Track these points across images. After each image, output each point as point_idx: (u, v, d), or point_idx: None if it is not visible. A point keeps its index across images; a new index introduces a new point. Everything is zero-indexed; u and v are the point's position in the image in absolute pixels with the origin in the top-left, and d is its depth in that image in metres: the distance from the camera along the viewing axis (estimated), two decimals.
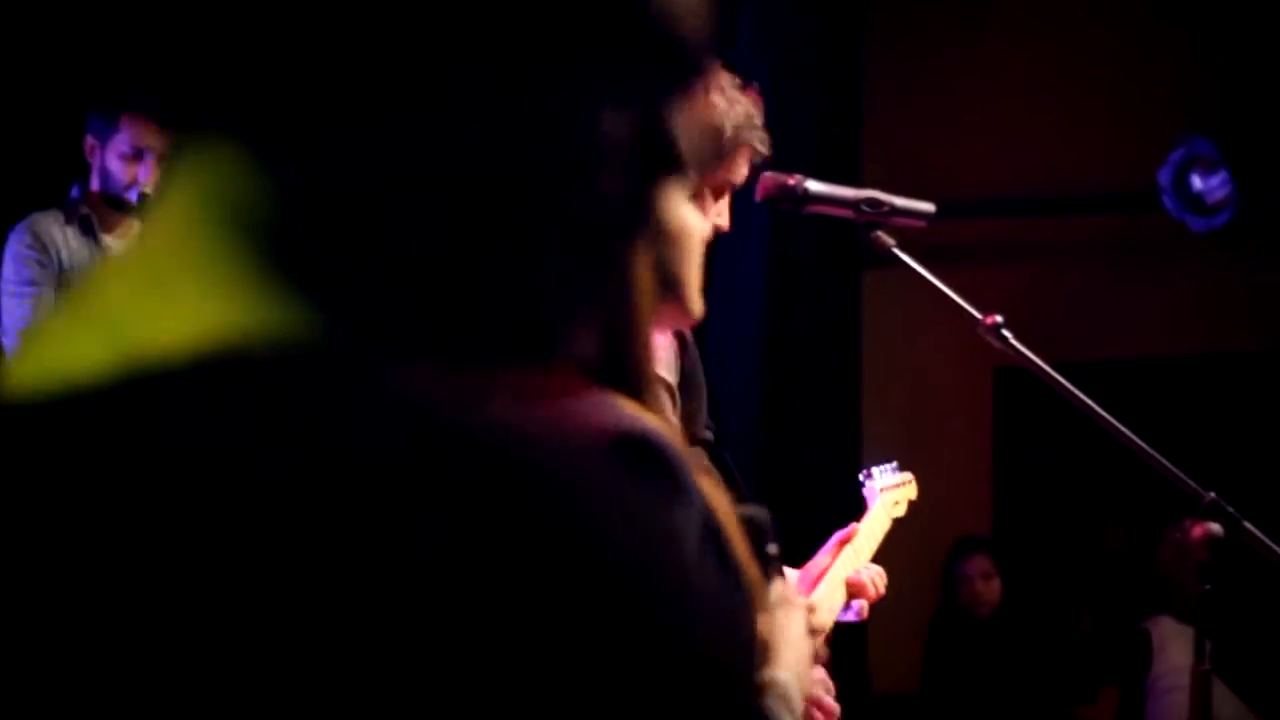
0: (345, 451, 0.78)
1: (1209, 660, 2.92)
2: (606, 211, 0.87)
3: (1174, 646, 5.70)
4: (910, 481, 3.30)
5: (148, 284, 0.84)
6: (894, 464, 3.32)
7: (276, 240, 0.83)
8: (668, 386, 2.41)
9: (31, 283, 5.03)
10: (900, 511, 3.24)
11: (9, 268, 5.08)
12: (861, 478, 3.27)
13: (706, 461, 2.63)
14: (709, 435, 2.72)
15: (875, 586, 2.98)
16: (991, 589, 6.30)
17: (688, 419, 2.58)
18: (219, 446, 0.78)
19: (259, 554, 0.77)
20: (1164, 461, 2.89)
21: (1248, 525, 2.84)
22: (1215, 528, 2.82)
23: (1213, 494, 2.85)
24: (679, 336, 2.56)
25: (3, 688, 0.80)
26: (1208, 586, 2.85)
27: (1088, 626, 6.70)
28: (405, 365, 0.81)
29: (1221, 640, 3.00)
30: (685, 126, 0.89)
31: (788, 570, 2.87)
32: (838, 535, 3.01)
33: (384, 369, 0.81)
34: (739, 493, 2.64)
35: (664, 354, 2.52)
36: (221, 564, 0.77)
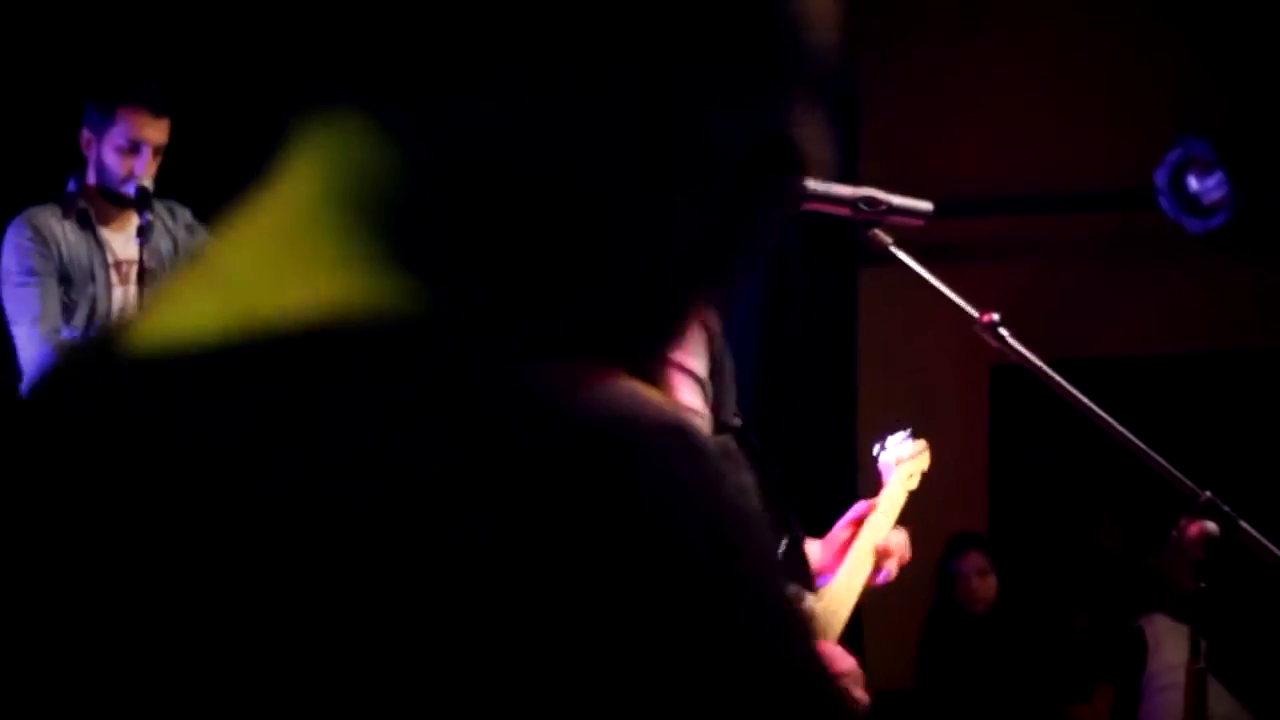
0: (442, 432, 0.79)
1: (1204, 658, 2.93)
2: (724, 216, 0.88)
3: (1169, 644, 5.70)
4: (924, 450, 3.31)
5: (269, 253, 0.86)
6: (907, 431, 3.31)
7: (397, 216, 0.85)
8: (697, 377, 2.42)
9: (34, 273, 5.03)
10: (914, 484, 3.26)
11: (10, 260, 5.07)
12: (875, 450, 3.28)
13: (734, 447, 2.66)
14: (737, 422, 2.74)
15: (901, 550, 3.04)
16: (987, 586, 6.31)
17: (717, 407, 2.60)
18: (325, 412, 0.80)
19: (361, 519, 0.78)
20: (1159, 460, 2.90)
21: (1243, 524, 2.84)
22: (1211, 526, 2.83)
23: (1208, 493, 2.86)
24: (706, 326, 2.57)
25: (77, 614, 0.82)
26: (1203, 584, 2.86)
27: (1084, 624, 6.70)
28: (507, 351, 0.83)
29: (1216, 638, 3.01)
30: (809, 133, 0.90)
31: (808, 541, 2.92)
32: (857, 508, 3.04)
33: (485, 353, 0.82)
34: (767, 477, 2.66)
35: (694, 344, 2.53)
36: (326, 525, 0.78)
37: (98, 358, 0.90)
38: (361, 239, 0.85)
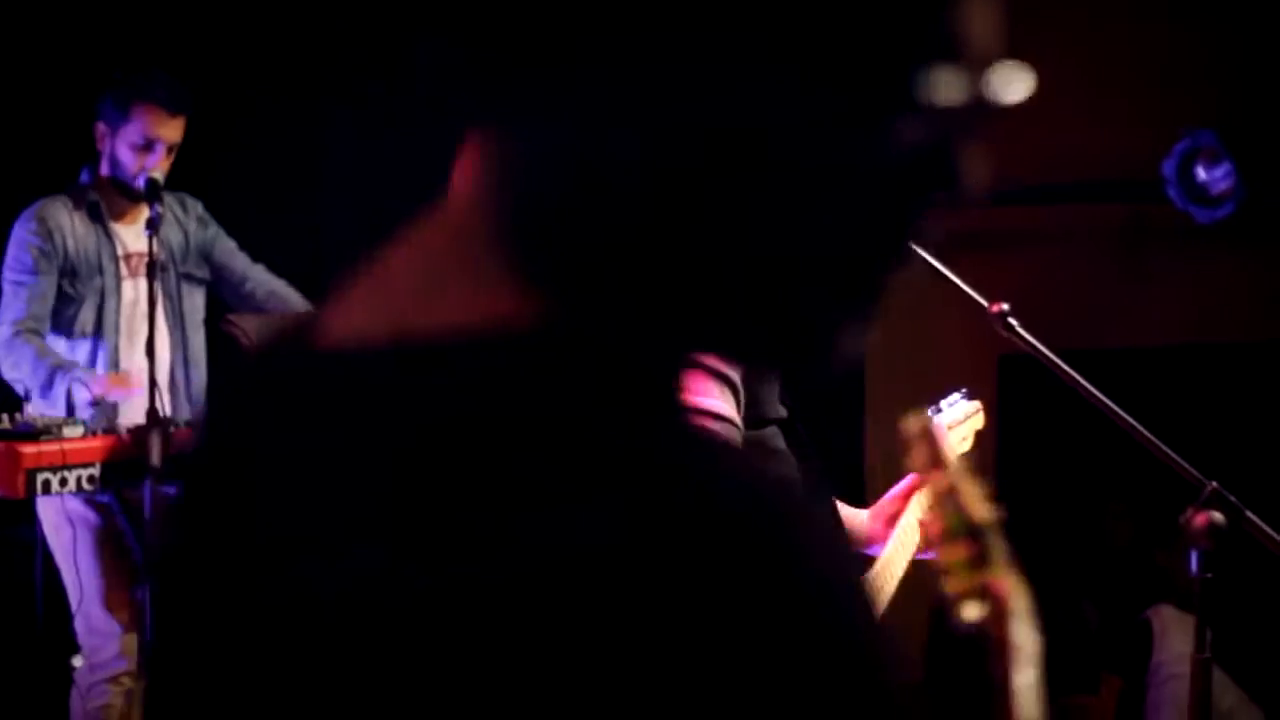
0: (572, 445, 0.81)
1: (1209, 649, 2.94)
2: (870, 230, 0.88)
3: (1176, 635, 5.71)
4: (978, 410, 3.25)
5: (427, 267, 0.90)
6: (963, 392, 3.25)
7: (534, 232, 0.87)
8: (728, 379, 2.42)
9: (29, 270, 5.05)
10: (967, 446, 3.20)
11: (12, 253, 5.10)
12: (930, 412, 3.24)
13: (780, 440, 2.65)
14: (782, 413, 2.73)
15: None
16: None
17: (756, 403, 2.59)
18: (464, 422, 0.83)
19: (488, 531, 0.80)
20: (1167, 450, 2.90)
21: (1250, 514, 2.85)
22: (1217, 516, 2.83)
23: (1214, 483, 2.86)
24: None
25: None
26: (1209, 575, 2.86)
27: (1092, 615, 6.70)
28: (643, 369, 0.86)
29: (1223, 629, 3.01)
30: (969, 159, 0.89)
31: (851, 510, 2.90)
32: (909, 480, 3.01)
33: (623, 372, 0.85)
34: (811, 466, 2.66)
35: None
36: (458, 536, 0.81)
37: (286, 348, 0.96)
38: (506, 255, 0.88)
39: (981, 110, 0.89)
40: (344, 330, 0.90)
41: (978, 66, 0.89)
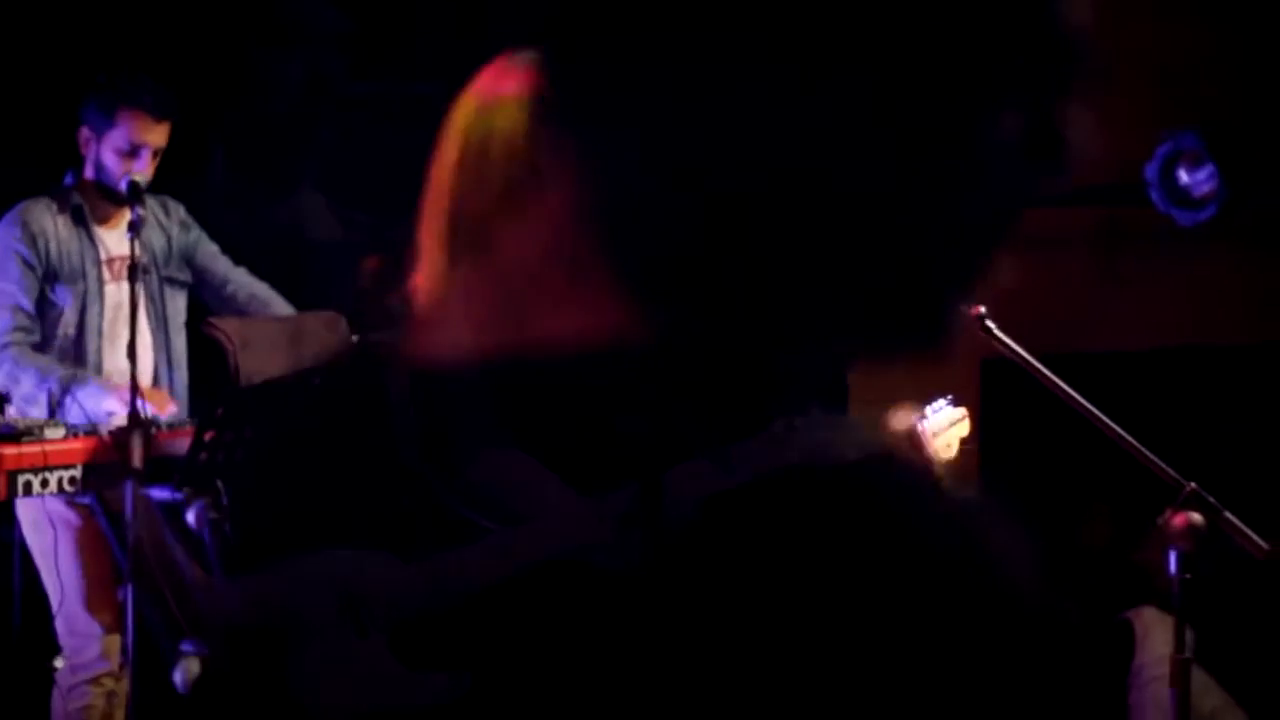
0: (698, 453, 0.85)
1: (1190, 649, 2.94)
2: (996, 211, 0.89)
3: (1157, 637, 5.71)
4: (964, 418, 3.25)
5: (534, 287, 0.91)
6: (948, 398, 3.26)
7: (635, 244, 0.87)
8: None
9: (14, 279, 5.03)
10: (952, 453, 3.21)
11: None
12: (914, 420, 3.24)
13: None
14: None
15: None
16: None
17: None
18: (584, 433, 0.87)
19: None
20: (1145, 452, 2.91)
21: (1228, 515, 2.86)
22: (1196, 517, 2.84)
23: (1193, 484, 2.87)
24: None
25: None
26: (1187, 576, 2.87)
27: (1074, 618, 6.70)
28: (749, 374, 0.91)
29: (1210, 632, 3.02)
30: (1074, 129, 0.89)
31: None
32: None
33: (736, 375, 0.90)
34: None
35: None
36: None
37: (378, 359, 0.99)
38: (606, 269, 0.88)
39: (1081, 76, 0.89)
40: (444, 343, 0.92)
41: (1076, 28, 0.89)
